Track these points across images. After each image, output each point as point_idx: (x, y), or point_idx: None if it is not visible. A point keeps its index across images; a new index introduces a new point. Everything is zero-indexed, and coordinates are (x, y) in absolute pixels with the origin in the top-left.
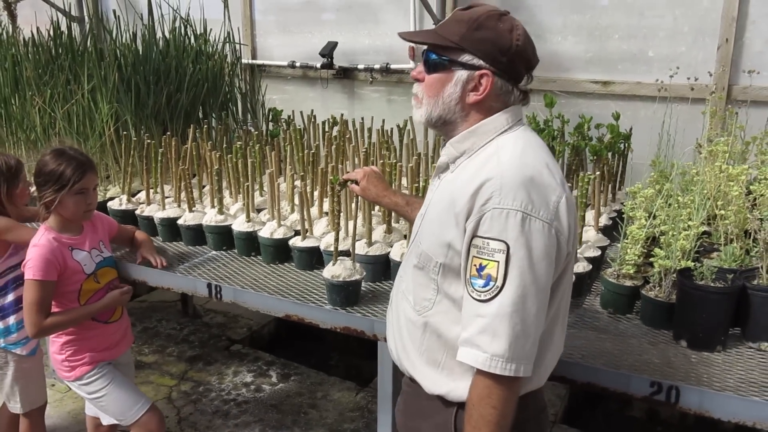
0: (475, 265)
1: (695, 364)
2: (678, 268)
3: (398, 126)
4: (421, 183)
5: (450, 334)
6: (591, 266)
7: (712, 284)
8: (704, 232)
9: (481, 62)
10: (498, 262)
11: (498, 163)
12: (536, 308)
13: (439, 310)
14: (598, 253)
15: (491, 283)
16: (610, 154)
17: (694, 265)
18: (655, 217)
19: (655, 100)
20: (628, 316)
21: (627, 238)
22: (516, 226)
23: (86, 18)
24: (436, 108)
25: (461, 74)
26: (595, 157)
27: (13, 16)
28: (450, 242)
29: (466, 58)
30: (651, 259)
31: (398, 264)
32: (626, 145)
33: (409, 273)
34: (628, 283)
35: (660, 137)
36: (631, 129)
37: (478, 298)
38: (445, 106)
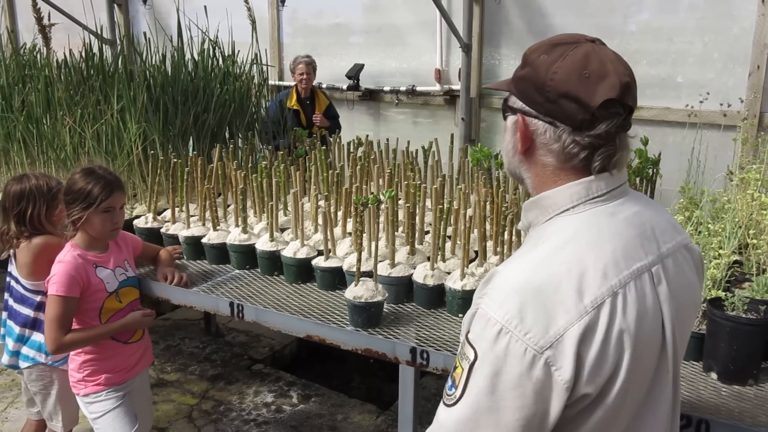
0: (454, 363)
1: (726, 398)
2: (708, 297)
3: (423, 147)
4: (445, 205)
5: None
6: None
7: (744, 315)
8: (735, 262)
9: (520, 103)
10: (463, 369)
11: (521, 255)
12: None
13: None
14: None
15: (453, 390)
16: (638, 179)
17: (725, 294)
18: None
19: (683, 126)
20: None
21: None
22: (490, 338)
23: (117, 40)
24: (504, 159)
25: (510, 120)
26: None
27: (47, 39)
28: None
29: (512, 101)
30: None
31: (421, 286)
32: (655, 170)
33: None
34: None
35: (689, 163)
36: (659, 154)
37: (444, 399)
38: (508, 157)
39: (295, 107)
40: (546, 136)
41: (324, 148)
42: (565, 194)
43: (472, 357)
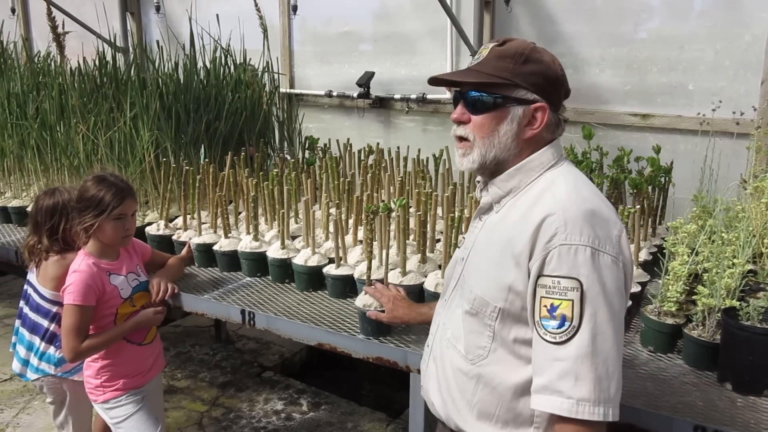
0: (545, 306)
1: (741, 409)
2: (722, 307)
3: (434, 155)
4: (456, 213)
5: (506, 384)
6: (631, 302)
7: (759, 325)
8: (750, 271)
9: (535, 96)
10: (572, 300)
11: (555, 197)
12: (616, 346)
13: (494, 359)
14: (638, 288)
15: (566, 324)
16: (650, 187)
17: (740, 304)
18: (697, 254)
19: (695, 134)
20: (669, 355)
21: (668, 275)
22: (587, 262)
23: (130, 48)
24: (491, 148)
25: (516, 110)
26: (634, 191)
27: (61, 47)
28: (511, 285)
29: (520, 93)
30: (694, 297)
31: (432, 295)
32: (667, 178)
33: (458, 320)
34: (670, 321)
35: (702, 172)
36: (671, 163)
37: (553, 340)
38: (502, 144)
39: None
40: (551, 118)
41: (335, 156)
42: (548, 154)
43: (577, 286)
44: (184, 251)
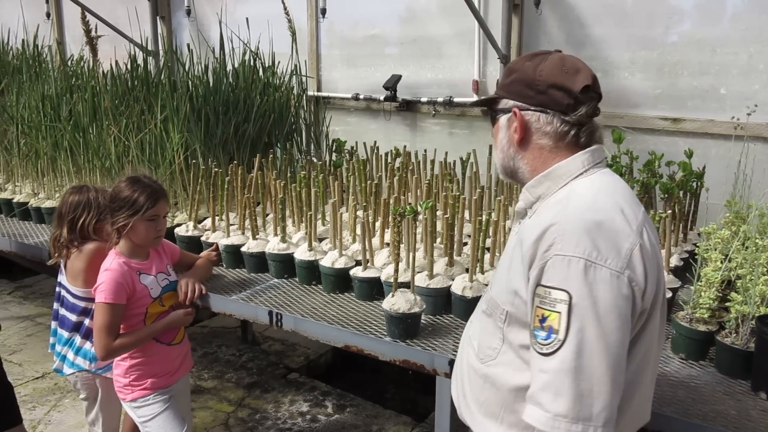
0: (537, 316)
1: None
2: (757, 314)
3: (461, 158)
4: (484, 216)
5: (508, 386)
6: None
7: None
8: None
9: (511, 102)
10: (560, 313)
11: (564, 207)
12: (605, 366)
13: (502, 360)
14: (669, 294)
15: (552, 336)
16: (681, 192)
17: None
18: (730, 260)
19: (727, 138)
20: (701, 362)
21: (701, 281)
22: (578, 274)
23: (161, 52)
24: (498, 157)
25: (503, 119)
26: (665, 195)
27: (94, 51)
28: (516, 290)
29: (502, 103)
30: (727, 304)
31: (459, 298)
32: (698, 183)
33: (478, 318)
34: (702, 328)
35: (735, 177)
36: (704, 167)
37: (540, 351)
38: (503, 153)
39: None
40: (540, 122)
41: (362, 159)
42: (578, 161)
43: (566, 298)
44: (212, 253)
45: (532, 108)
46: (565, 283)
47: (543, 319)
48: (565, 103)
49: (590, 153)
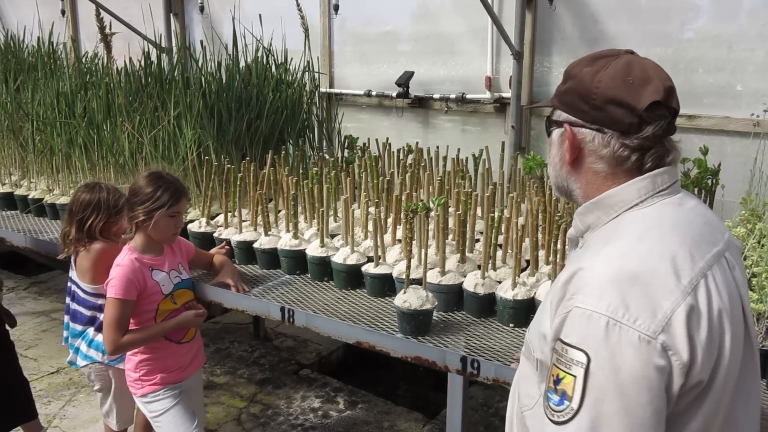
0: (552, 375)
1: None
2: None
3: (473, 155)
4: (496, 213)
5: None
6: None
7: None
8: None
9: (565, 115)
10: (575, 377)
11: (600, 248)
12: None
13: (538, 412)
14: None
15: (565, 403)
16: (696, 189)
17: None
18: (746, 258)
19: (743, 136)
20: None
21: None
22: (599, 333)
23: (174, 49)
24: (551, 174)
25: (555, 134)
26: None
27: (108, 48)
28: (545, 334)
29: (556, 114)
30: None
31: (471, 295)
32: (714, 180)
33: (521, 359)
34: None
35: (751, 174)
36: (719, 165)
37: (551, 417)
38: (555, 171)
39: None
40: (594, 143)
41: (374, 155)
42: (632, 189)
43: (583, 360)
44: (222, 250)
45: (587, 126)
46: (584, 342)
47: (557, 380)
48: (626, 122)
49: (651, 179)
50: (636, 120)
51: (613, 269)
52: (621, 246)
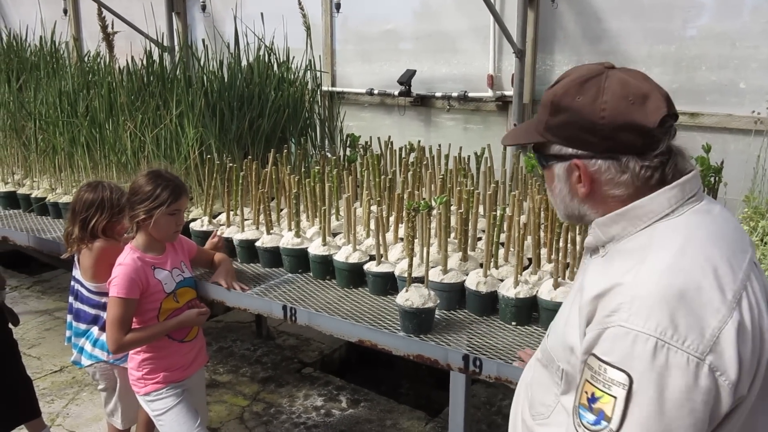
0: (586, 392)
1: None
2: None
3: (475, 153)
4: (498, 211)
5: None
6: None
7: None
8: None
9: (569, 150)
10: (615, 398)
11: (640, 263)
12: None
13: (555, 421)
14: None
15: (603, 423)
16: None
17: None
18: None
19: (746, 133)
20: None
21: None
22: (646, 356)
23: (176, 47)
24: (558, 206)
25: (559, 168)
26: None
27: (110, 47)
28: (572, 347)
29: (556, 149)
30: None
31: (474, 293)
32: (716, 178)
33: (533, 366)
34: None
35: (755, 172)
36: (722, 162)
37: None
38: (564, 204)
39: None
40: (611, 171)
41: (376, 154)
42: (662, 200)
43: (625, 381)
44: (213, 240)
45: (598, 157)
46: (627, 363)
47: (593, 399)
48: (640, 143)
49: (679, 187)
50: (650, 139)
51: (659, 287)
52: (663, 259)
